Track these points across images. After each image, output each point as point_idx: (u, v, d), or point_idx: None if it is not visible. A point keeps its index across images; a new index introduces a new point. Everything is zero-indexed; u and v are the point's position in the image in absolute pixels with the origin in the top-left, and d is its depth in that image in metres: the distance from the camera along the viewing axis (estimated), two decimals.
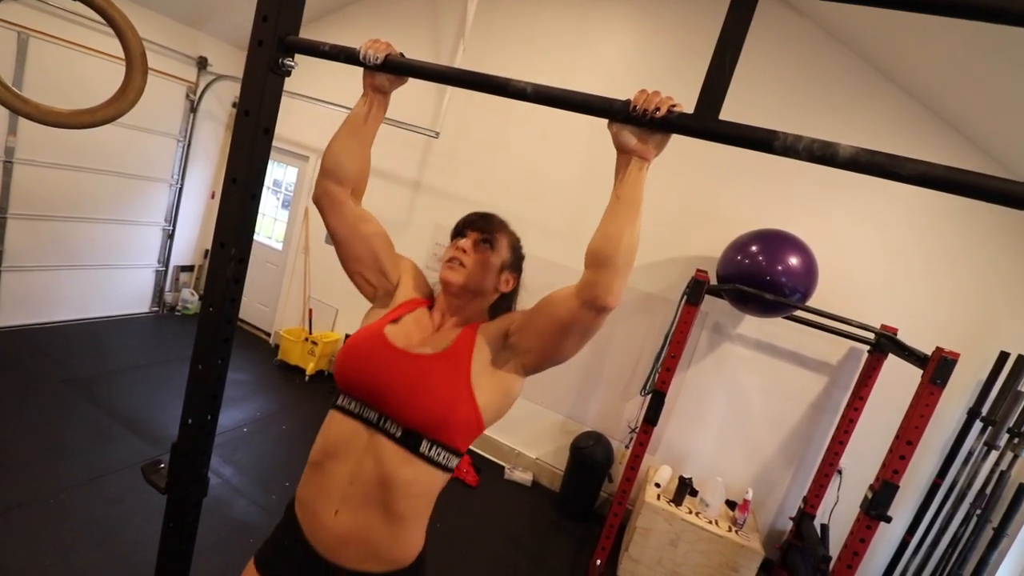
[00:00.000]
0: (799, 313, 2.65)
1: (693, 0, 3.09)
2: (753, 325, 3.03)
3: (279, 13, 0.96)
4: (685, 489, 2.75)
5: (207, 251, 4.46)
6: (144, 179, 4.07)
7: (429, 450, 0.91)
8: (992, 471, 2.50)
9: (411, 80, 0.99)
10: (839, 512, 2.69)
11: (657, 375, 2.62)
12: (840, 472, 2.79)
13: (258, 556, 1.04)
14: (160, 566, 1.17)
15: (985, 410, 2.58)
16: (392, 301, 1.10)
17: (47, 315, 3.74)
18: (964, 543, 2.52)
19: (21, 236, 3.45)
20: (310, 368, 4.02)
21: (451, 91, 3.65)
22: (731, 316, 3.05)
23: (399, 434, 0.91)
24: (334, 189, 1.02)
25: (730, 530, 2.62)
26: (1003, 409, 2.46)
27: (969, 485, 2.59)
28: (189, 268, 4.73)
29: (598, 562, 2.66)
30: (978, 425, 2.59)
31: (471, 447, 2.71)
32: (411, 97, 2.78)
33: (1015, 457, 2.43)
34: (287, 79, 1.03)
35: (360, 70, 0.98)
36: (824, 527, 2.67)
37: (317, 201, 1.04)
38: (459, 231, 1.11)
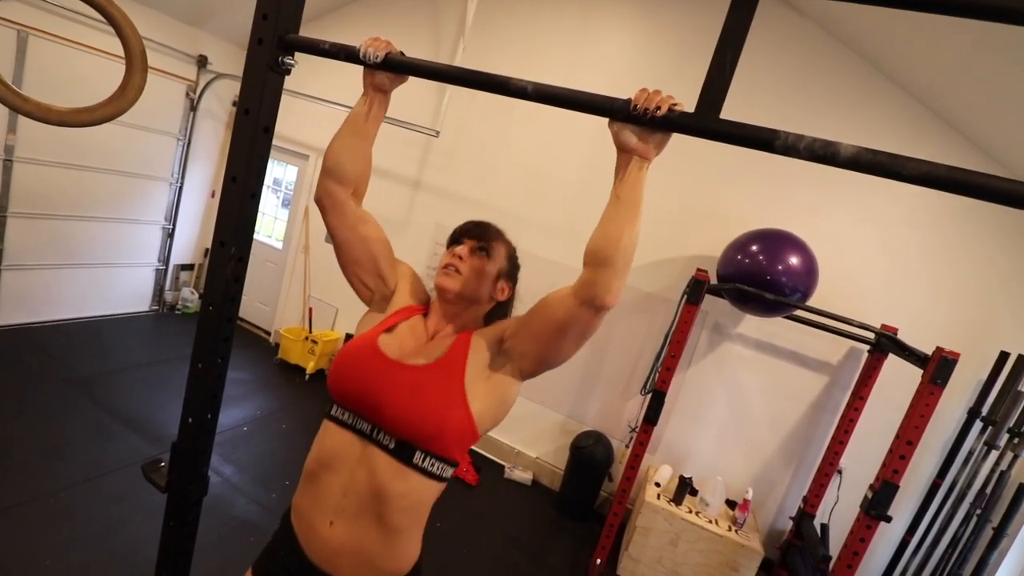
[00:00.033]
0: (799, 313, 2.65)
1: None
2: (753, 325, 3.03)
3: (279, 11, 0.95)
4: (685, 488, 2.75)
5: (207, 250, 4.45)
6: (144, 178, 4.07)
7: (423, 461, 0.90)
8: (992, 471, 2.50)
9: (411, 79, 0.99)
10: (839, 512, 2.69)
11: (657, 374, 2.62)
12: (840, 472, 2.79)
13: (255, 566, 1.05)
14: (160, 565, 1.17)
15: (985, 410, 2.58)
16: (388, 307, 1.09)
17: (47, 314, 3.74)
18: (964, 543, 2.53)
19: (21, 235, 3.45)
20: (310, 367, 4.02)
21: (451, 90, 3.65)
22: (731, 316, 3.05)
23: (392, 445, 0.90)
24: (336, 189, 1.02)
25: (730, 529, 2.62)
26: (1003, 409, 2.46)
27: (969, 485, 2.59)
28: (189, 267, 4.73)
29: (598, 561, 2.66)
30: (978, 425, 2.59)
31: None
32: (411, 96, 2.78)
33: (1015, 457, 2.43)
34: (287, 78, 1.02)
35: (360, 69, 0.97)
36: (824, 527, 2.67)
37: (319, 201, 1.04)
38: (455, 239, 1.11)
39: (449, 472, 0.94)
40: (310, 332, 4.18)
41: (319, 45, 0.95)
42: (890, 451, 1.95)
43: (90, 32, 3.34)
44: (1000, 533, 2.40)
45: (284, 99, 1.06)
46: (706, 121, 0.74)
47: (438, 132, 3.67)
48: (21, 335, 3.47)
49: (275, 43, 0.96)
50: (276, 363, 4.17)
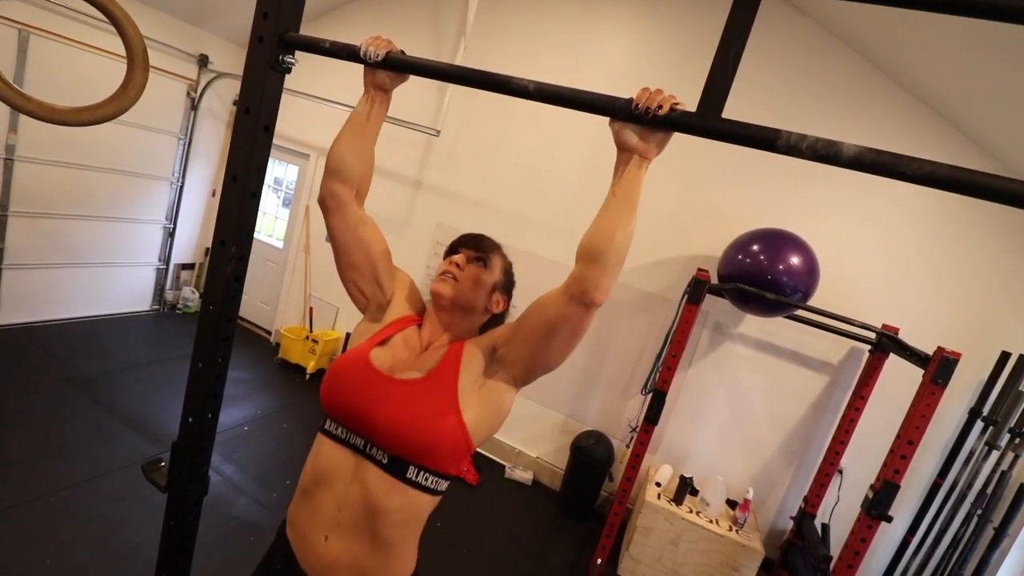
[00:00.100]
0: (800, 312, 2.65)
1: None
2: (754, 324, 3.03)
3: (279, 10, 0.95)
4: (686, 488, 2.75)
5: (207, 249, 4.45)
6: (145, 177, 4.07)
7: (416, 475, 0.90)
8: (993, 471, 2.50)
9: (412, 78, 0.99)
10: (840, 512, 2.69)
11: (658, 374, 2.62)
12: (841, 472, 2.79)
13: None
14: (161, 564, 1.17)
15: (986, 410, 2.57)
16: (384, 317, 1.08)
17: (48, 313, 3.74)
18: (965, 543, 2.52)
19: (22, 234, 3.45)
20: (311, 367, 4.02)
21: (452, 89, 3.64)
22: (732, 315, 3.05)
23: (385, 460, 0.90)
24: (339, 189, 1.01)
25: (731, 529, 2.62)
26: (1004, 409, 2.45)
27: (970, 485, 2.59)
28: (190, 266, 4.73)
29: (599, 561, 2.66)
30: (979, 425, 2.59)
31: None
32: (412, 95, 2.78)
33: (1016, 457, 2.43)
34: (288, 76, 1.02)
35: (361, 68, 0.97)
36: (825, 527, 2.67)
37: (322, 202, 1.03)
38: (453, 249, 1.11)
39: (444, 485, 0.94)
40: (311, 331, 4.18)
41: (320, 44, 0.95)
42: (891, 451, 1.95)
43: (91, 31, 3.34)
44: (1001, 533, 2.40)
45: (285, 98, 1.06)
46: (708, 120, 0.74)
47: (439, 132, 3.67)
48: (22, 334, 3.47)
49: (275, 41, 0.96)
50: (277, 362, 4.17)
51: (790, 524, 2.97)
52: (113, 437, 2.72)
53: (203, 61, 4.10)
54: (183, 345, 3.99)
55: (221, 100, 4.42)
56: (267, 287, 4.64)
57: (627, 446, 3.22)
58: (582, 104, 0.80)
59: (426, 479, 0.91)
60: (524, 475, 3.46)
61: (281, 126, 1.23)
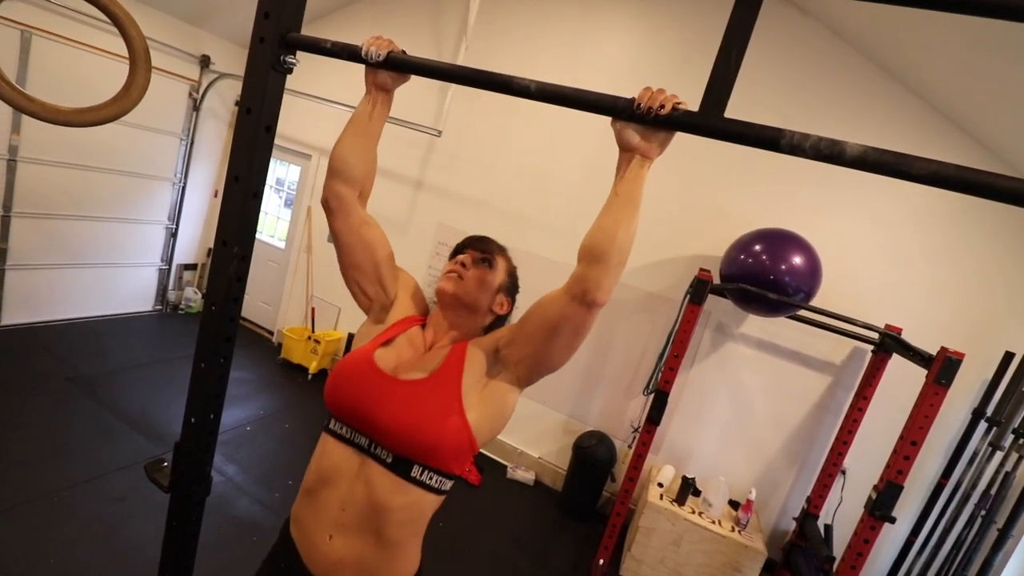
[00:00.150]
0: (803, 313, 2.64)
1: None
2: (756, 325, 3.02)
3: (281, 10, 0.95)
4: (688, 489, 2.74)
5: (210, 249, 4.46)
6: (147, 177, 4.08)
7: (421, 475, 0.90)
8: (997, 472, 2.49)
9: (413, 78, 0.99)
10: (843, 512, 2.68)
11: (660, 374, 2.61)
12: (844, 472, 2.78)
13: None
14: (163, 565, 1.17)
15: (990, 410, 2.56)
16: (387, 317, 1.08)
17: (51, 313, 3.75)
18: (969, 544, 2.51)
19: (25, 235, 3.46)
20: (313, 367, 4.02)
21: (453, 90, 3.64)
22: (734, 315, 3.04)
23: (390, 460, 0.90)
24: (342, 190, 1.01)
25: (733, 530, 2.62)
26: (1008, 409, 2.44)
27: (974, 486, 2.57)
28: (192, 266, 4.74)
29: (601, 562, 2.66)
30: (983, 425, 2.58)
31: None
32: (413, 96, 2.77)
33: (1020, 458, 2.42)
34: (289, 77, 1.02)
35: (362, 69, 0.97)
36: (828, 527, 2.66)
37: (325, 203, 1.03)
38: (458, 250, 1.12)
39: (448, 485, 0.94)
40: (313, 332, 4.19)
41: (321, 44, 0.95)
42: (894, 451, 1.94)
43: (93, 32, 3.35)
44: (1005, 534, 2.39)
45: (286, 99, 1.06)
46: (711, 120, 0.74)
47: (440, 132, 3.67)
48: (25, 335, 3.48)
49: (277, 42, 0.96)
50: (279, 363, 4.18)
51: (793, 525, 2.96)
52: (115, 437, 2.72)
53: (205, 62, 4.10)
54: (185, 345, 4.00)
55: (223, 100, 4.43)
56: (269, 287, 4.65)
57: (629, 446, 3.22)
58: (584, 104, 0.80)
59: (430, 478, 0.91)
60: (526, 475, 3.46)
61: (283, 126, 1.23)
